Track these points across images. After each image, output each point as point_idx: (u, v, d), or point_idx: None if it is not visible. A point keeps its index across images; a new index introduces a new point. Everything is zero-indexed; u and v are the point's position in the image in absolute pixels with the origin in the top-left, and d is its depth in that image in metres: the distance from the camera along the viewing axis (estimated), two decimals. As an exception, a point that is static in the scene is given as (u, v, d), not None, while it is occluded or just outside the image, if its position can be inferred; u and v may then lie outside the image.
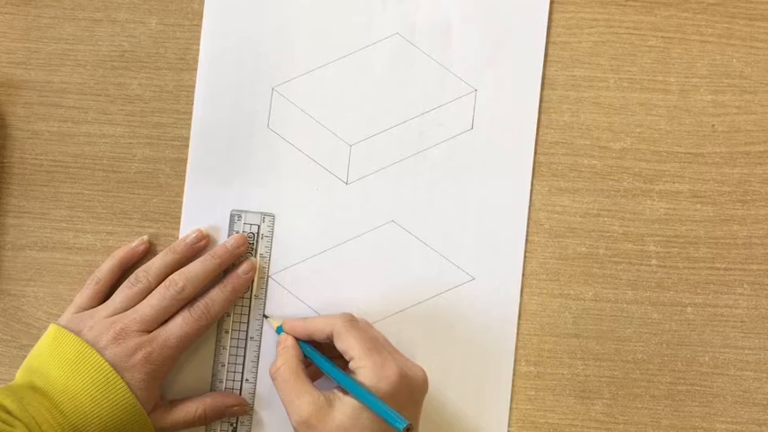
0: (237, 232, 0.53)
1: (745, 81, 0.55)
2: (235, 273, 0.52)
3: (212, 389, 0.53)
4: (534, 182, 0.54)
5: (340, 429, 0.45)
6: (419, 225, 0.54)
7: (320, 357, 0.49)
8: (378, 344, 0.48)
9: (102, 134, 0.55)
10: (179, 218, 0.54)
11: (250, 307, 0.53)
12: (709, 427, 0.53)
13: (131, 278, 0.51)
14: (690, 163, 0.54)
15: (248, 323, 0.53)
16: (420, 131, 0.55)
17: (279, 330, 0.51)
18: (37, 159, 0.55)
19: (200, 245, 0.52)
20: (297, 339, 0.50)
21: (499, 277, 0.54)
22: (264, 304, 0.53)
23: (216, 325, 0.53)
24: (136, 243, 0.53)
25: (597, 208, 0.54)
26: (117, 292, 0.51)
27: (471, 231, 0.54)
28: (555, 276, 0.54)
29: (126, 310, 0.49)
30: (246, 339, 0.53)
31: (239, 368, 0.53)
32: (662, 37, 0.55)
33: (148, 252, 0.53)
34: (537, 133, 0.54)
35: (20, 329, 0.54)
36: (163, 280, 0.50)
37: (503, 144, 0.54)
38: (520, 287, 0.53)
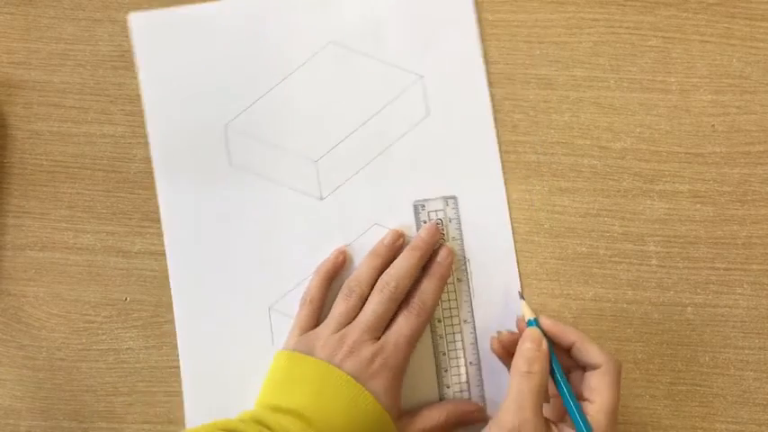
0: (424, 222, 0.53)
1: (745, 81, 0.55)
2: (436, 262, 0.52)
3: (438, 380, 0.52)
4: (534, 182, 0.54)
5: None
6: (401, 221, 0.54)
7: (564, 379, 0.46)
8: (617, 414, 0.45)
9: (102, 134, 0.55)
10: (179, 218, 0.54)
11: (456, 291, 0.53)
12: (709, 427, 0.53)
13: (345, 290, 0.51)
14: (690, 163, 0.54)
15: (458, 307, 0.53)
16: (380, 131, 0.54)
17: (530, 323, 0.47)
18: (37, 159, 0.55)
19: (399, 244, 0.52)
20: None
21: (492, 261, 0.53)
22: (470, 287, 0.53)
23: None
24: (335, 254, 0.53)
25: (597, 208, 0.54)
26: (334, 306, 0.51)
27: (454, 216, 0.54)
28: (555, 276, 0.54)
29: (347, 322, 0.49)
30: (461, 323, 0.53)
31: (460, 353, 0.53)
32: (662, 37, 0.55)
33: (348, 261, 0.53)
34: (493, 107, 0.54)
35: (20, 329, 0.54)
36: (373, 285, 0.50)
37: (463, 123, 0.54)
38: (514, 257, 0.53)
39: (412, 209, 0.54)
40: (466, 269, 0.53)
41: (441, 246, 0.53)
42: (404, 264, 0.50)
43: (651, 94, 0.55)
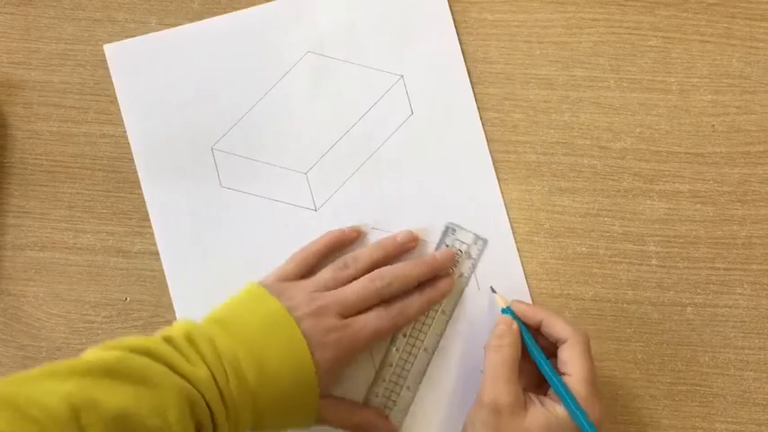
0: (447, 245, 0.53)
1: (745, 81, 0.55)
2: (435, 285, 0.51)
3: (372, 385, 0.52)
4: (534, 182, 0.54)
5: None
6: (399, 223, 0.54)
7: (540, 352, 0.48)
8: (596, 382, 0.46)
9: (102, 134, 0.55)
10: (179, 218, 0.54)
11: (434, 319, 0.52)
12: (709, 427, 0.53)
13: (339, 262, 0.50)
14: (690, 163, 0.54)
15: (427, 334, 0.52)
16: (366, 134, 0.54)
17: (504, 311, 0.50)
18: (37, 159, 0.55)
19: (409, 246, 0.52)
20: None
21: (492, 245, 0.54)
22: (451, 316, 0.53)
23: None
24: (350, 229, 0.53)
25: (597, 208, 0.54)
26: (324, 271, 0.50)
27: (450, 209, 0.54)
28: (555, 276, 0.54)
29: (327, 290, 0.49)
30: (420, 349, 0.52)
31: (405, 374, 0.52)
32: (662, 37, 0.55)
33: (358, 240, 0.53)
34: (475, 97, 0.54)
35: (20, 329, 0.54)
36: (368, 272, 0.50)
37: (448, 119, 0.54)
38: (513, 242, 0.53)
39: (441, 229, 0.53)
40: (454, 307, 0.53)
41: (447, 274, 0.52)
42: (407, 269, 0.50)
43: (651, 94, 0.55)
